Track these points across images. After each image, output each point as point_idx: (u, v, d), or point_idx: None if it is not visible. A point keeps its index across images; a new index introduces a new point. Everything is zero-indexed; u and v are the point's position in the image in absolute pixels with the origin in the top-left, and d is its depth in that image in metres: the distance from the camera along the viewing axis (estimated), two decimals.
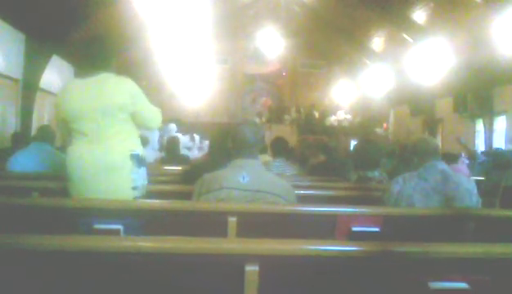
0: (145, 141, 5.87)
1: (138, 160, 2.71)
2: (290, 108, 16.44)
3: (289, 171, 4.96)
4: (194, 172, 3.38)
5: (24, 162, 4.12)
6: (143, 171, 2.75)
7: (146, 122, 2.85)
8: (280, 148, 5.25)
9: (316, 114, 15.97)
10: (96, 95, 2.63)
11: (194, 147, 9.90)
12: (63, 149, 4.23)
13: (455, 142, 9.16)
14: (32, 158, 4.13)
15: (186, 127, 11.19)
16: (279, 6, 14.16)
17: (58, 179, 3.01)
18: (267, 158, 5.93)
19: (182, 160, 6.01)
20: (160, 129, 10.82)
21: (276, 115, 16.11)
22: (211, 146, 3.81)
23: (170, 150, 6.42)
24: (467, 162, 5.79)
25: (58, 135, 4.59)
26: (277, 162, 5.06)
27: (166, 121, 13.98)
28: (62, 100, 2.73)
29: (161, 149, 8.11)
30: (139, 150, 2.75)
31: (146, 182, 2.80)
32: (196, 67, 15.58)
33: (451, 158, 5.16)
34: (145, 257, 1.47)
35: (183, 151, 7.60)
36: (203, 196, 2.36)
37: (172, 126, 10.05)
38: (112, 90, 2.67)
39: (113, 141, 2.65)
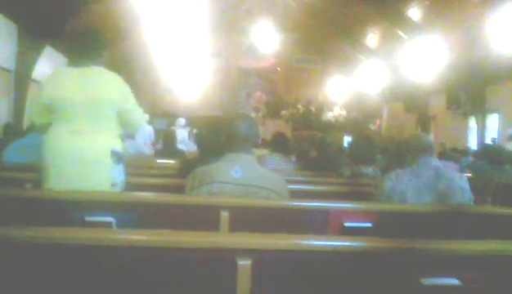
0: (131, 135, 5.94)
1: (118, 157, 2.70)
2: (288, 103, 16.45)
3: (284, 166, 4.94)
4: (191, 166, 3.37)
5: (21, 152, 4.06)
6: (121, 167, 2.74)
7: (132, 122, 2.86)
8: (279, 143, 5.24)
9: (313, 110, 16.00)
10: (88, 87, 2.61)
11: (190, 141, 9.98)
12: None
13: (442, 147, 9.30)
14: (29, 148, 4.05)
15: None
16: (275, 1, 14.12)
17: None
18: (263, 151, 5.93)
19: (178, 154, 6.03)
20: (170, 123, 11.04)
21: (274, 110, 16.12)
22: (200, 140, 3.79)
23: (166, 144, 6.43)
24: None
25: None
26: (273, 157, 5.05)
27: (159, 114, 13.98)
28: (51, 87, 2.67)
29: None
30: (119, 147, 2.73)
31: (124, 177, 2.77)
32: (191, 61, 15.51)
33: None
34: (137, 250, 1.47)
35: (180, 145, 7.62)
36: (195, 190, 2.34)
37: (182, 121, 10.20)
38: (104, 85, 2.67)
39: (96, 136, 2.63)
